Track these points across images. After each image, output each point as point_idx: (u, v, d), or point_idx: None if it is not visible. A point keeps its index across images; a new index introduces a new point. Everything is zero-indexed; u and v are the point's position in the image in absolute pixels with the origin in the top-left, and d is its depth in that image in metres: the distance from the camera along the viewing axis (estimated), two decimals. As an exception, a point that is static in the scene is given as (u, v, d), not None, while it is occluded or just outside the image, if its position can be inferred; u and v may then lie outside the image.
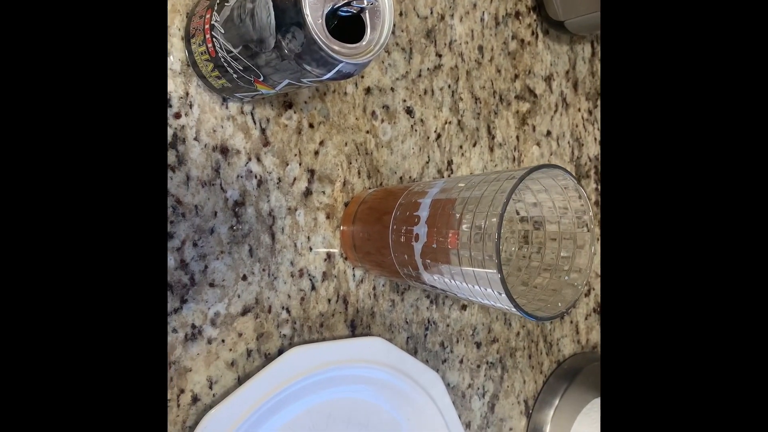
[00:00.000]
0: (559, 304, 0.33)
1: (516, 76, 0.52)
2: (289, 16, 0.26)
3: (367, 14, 0.28)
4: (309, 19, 0.26)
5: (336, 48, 0.27)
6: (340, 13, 0.27)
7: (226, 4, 0.29)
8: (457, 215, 0.32)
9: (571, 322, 0.58)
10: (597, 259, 0.60)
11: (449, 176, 0.47)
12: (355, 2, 0.27)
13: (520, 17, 0.52)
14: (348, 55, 0.27)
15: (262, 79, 0.30)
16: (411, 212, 0.35)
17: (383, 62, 0.43)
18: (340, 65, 0.27)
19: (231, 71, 0.31)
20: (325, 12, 0.26)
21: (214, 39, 0.30)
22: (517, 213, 0.38)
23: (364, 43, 0.28)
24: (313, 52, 0.26)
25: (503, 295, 0.30)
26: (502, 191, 0.30)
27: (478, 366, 0.50)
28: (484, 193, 0.31)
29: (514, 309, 0.30)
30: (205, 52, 0.32)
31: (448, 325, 0.48)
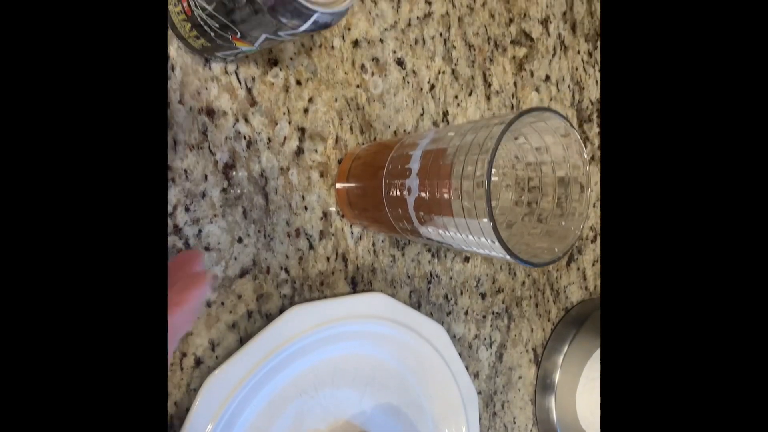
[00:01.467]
0: (556, 249, 0.33)
1: (511, 20, 0.51)
2: None
3: None
4: None
5: None
6: None
7: None
8: (448, 164, 0.31)
9: (578, 269, 0.58)
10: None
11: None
12: None
13: (513, -42, 0.51)
14: (323, 3, 0.26)
15: (239, 35, 0.29)
16: (402, 165, 0.35)
17: (370, 13, 0.42)
18: (316, 15, 0.26)
19: (208, 30, 0.30)
20: None
21: None
22: (517, 158, 0.37)
23: None
24: (287, 3, 0.26)
25: (497, 243, 0.29)
26: (491, 137, 0.29)
27: (484, 317, 0.50)
28: (473, 140, 0.30)
29: (509, 257, 0.30)
30: (181, 12, 0.31)
31: (451, 278, 0.47)
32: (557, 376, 0.57)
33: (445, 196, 0.31)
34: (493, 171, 0.38)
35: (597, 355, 0.57)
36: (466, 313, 0.49)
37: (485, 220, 0.29)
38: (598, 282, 0.60)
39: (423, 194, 0.33)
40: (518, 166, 0.37)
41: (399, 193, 0.35)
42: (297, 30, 0.28)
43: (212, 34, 0.30)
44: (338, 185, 0.41)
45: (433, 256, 0.46)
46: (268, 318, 0.38)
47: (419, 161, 0.34)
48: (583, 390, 0.57)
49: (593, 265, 0.59)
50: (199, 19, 0.30)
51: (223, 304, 0.36)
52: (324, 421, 0.39)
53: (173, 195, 0.34)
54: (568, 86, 0.56)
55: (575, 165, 0.33)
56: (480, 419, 0.50)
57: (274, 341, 0.36)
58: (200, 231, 0.35)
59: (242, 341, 0.37)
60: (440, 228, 0.33)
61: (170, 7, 0.32)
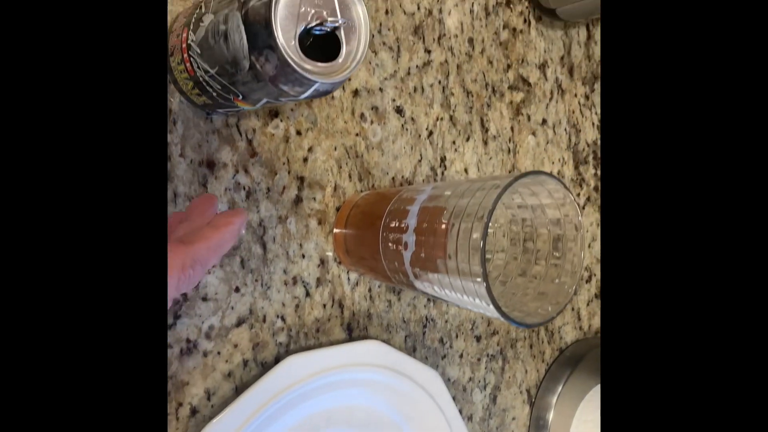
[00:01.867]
0: (549, 308, 0.33)
1: (509, 66, 0.51)
2: (261, 39, 0.26)
3: (342, 31, 0.27)
4: (281, 42, 0.25)
5: (311, 68, 0.26)
6: (314, 32, 0.27)
7: (201, 24, 0.29)
8: (444, 226, 0.32)
9: (573, 309, 0.58)
10: (598, 245, 0.60)
11: (443, 173, 0.47)
12: (328, 21, 0.26)
13: (512, 5, 0.51)
14: (324, 74, 0.27)
15: (241, 97, 0.30)
16: (400, 219, 0.35)
17: (370, 63, 0.42)
18: (317, 84, 0.27)
19: (210, 90, 0.31)
20: (298, 33, 0.26)
21: (191, 58, 0.30)
22: (513, 217, 0.38)
23: (339, 60, 0.27)
24: (288, 74, 0.26)
25: (491, 306, 0.30)
26: (485, 206, 0.29)
27: (479, 359, 0.50)
28: (469, 202, 0.31)
29: (502, 318, 0.30)
30: (184, 71, 0.31)
31: (446, 321, 0.48)
32: (551, 416, 0.57)
33: (441, 256, 0.32)
34: (490, 229, 0.38)
35: (591, 395, 0.57)
36: (461, 356, 0.49)
37: (479, 280, 0.30)
38: (593, 322, 0.60)
39: (419, 252, 0.33)
40: (514, 223, 0.37)
41: (396, 247, 0.35)
42: (298, 97, 0.28)
43: (214, 94, 0.31)
44: (336, 231, 0.41)
45: (429, 300, 0.46)
46: (264, 366, 0.38)
47: (416, 217, 0.34)
48: (576, 430, 0.57)
49: (588, 304, 0.59)
50: (201, 79, 0.30)
51: (219, 353, 0.36)
52: (318, 469, 0.40)
53: (172, 247, 0.34)
54: (565, 129, 0.56)
55: (570, 225, 0.34)
56: (473, 462, 0.50)
57: (269, 391, 0.37)
58: (198, 282, 0.35)
59: (238, 390, 0.37)
60: (435, 285, 0.33)
61: (173, 64, 0.32)
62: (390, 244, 0.36)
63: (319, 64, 0.27)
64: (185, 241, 0.28)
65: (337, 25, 0.27)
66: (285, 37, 0.25)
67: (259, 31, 0.25)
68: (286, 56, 0.25)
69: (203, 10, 0.29)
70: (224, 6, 0.27)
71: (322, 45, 0.27)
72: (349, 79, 0.41)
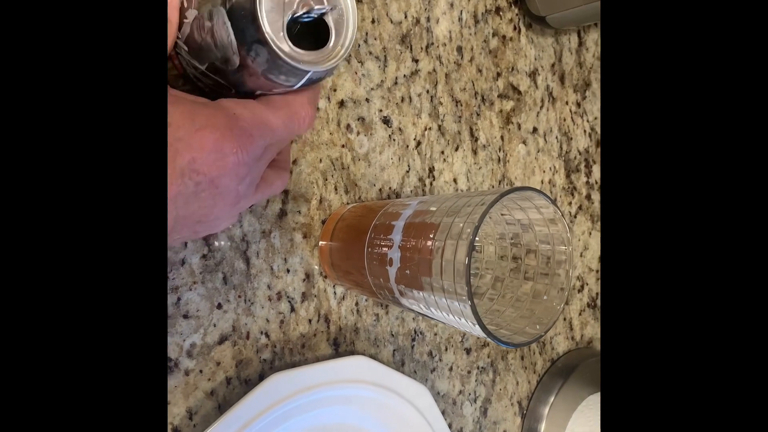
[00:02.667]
0: (538, 327, 0.33)
1: (498, 75, 0.51)
2: (249, 35, 0.25)
3: (330, 17, 0.27)
4: (269, 35, 0.24)
5: (302, 58, 0.26)
6: (302, 20, 0.26)
7: (185, 20, 0.28)
8: (429, 243, 0.31)
9: (564, 319, 0.58)
10: (590, 254, 0.59)
11: (431, 183, 0.46)
12: (315, 9, 0.26)
13: (501, 12, 0.51)
14: (315, 62, 0.26)
15: (234, 91, 0.29)
16: (385, 235, 0.34)
17: (356, 73, 0.42)
18: (310, 73, 0.26)
19: (202, 86, 0.30)
20: (286, 22, 0.25)
21: (179, 56, 0.29)
22: (502, 234, 0.37)
23: (330, 46, 0.27)
24: (280, 66, 0.26)
25: (477, 326, 0.29)
26: (471, 221, 0.29)
27: (469, 372, 0.49)
28: (455, 220, 0.30)
29: (489, 338, 0.30)
30: (173, 68, 0.30)
31: (435, 334, 0.47)
32: (543, 427, 0.56)
33: (426, 274, 0.31)
34: (476, 245, 0.37)
35: (584, 405, 0.57)
36: (451, 368, 0.48)
37: (465, 299, 0.29)
38: (585, 332, 0.60)
39: (405, 269, 0.33)
40: (503, 239, 0.36)
41: (381, 263, 0.34)
42: (293, 87, 0.27)
43: (206, 90, 0.30)
44: (322, 245, 0.40)
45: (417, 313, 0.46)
46: (248, 384, 0.37)
47: (401, 233, 0.33)
48: (569, 441, 0.56)
49: (580, 314, 0.59)
50: (192, 76, 0.30)
51: (201, 371, 0.35)
52: (303, 488, 0.39)
53: (152, 264, 0.33)
54: (556, 137, 0.56)
55: (559, 242, 0.33)
56: (463, 476, 0.49)
57: (253, 410, 0.36)
58: (179, 299, 0.34)
59: (221, 409, 0.36)
60: (421, 303, 0.33)
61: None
62: (375, 260, 0.35)
63: (311, 52, 0.26)
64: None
65: (324, 11, 0.26)
66: (273, 28, 0.25)
67: (246, 25, 0.25)
68: (276, 49, 0.25)
69: (185, 5, 0.28)
70: (207, 0, 0.26)
71: (310, 32, 0.27)
72: (335, 90, 0.41)
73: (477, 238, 0.33)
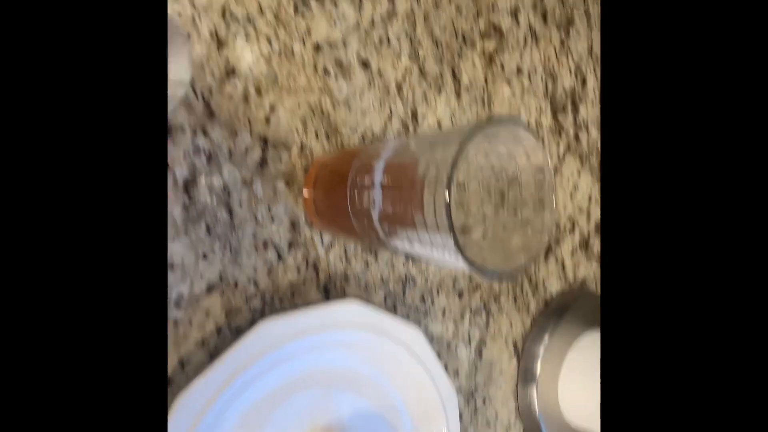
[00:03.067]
0: (524, 258, 0.32)
1: (479, 13, 0.50)
2: None
3: None
4: None
5: None
6: None
7: None
8: (409, 180, 0.31)
9: (557, 260, 0.58)
10: (580, 195, 0.59)
11: (415, 128, 0.46)
12: None
13: (479, -51, 0.49)
14: None
15: None
16: (366, 176, 0.34)
17: (331, 15, 0.41)
18: None
19: None
20: None
21: None
22: (487, 165, 0.37)
23: None
24: None
25: (461, 258, 0.29)
26: (450, 154, 0.28)
27: (462, 315, 0.50)
28: (435, 155, 0.30)
29: (473, 270, 0.29)
30: None
31: (426, 279, 0.47)
32: (538, 366, 0.57)
33: (409, 210, 0.31)
34: (460, 178, 0.37)
35: (578, 343, 0.57)
36: (444, 312, 0.48)
37: (447, 236, 0.29)
38: (578, 271, 0.60)
39: (387, 207, 0.32)
40: (486, 171, 0.36)
41: (364, 205, 0.34)
42: None
43: None
44: (306, 193, 0.40)
45: (407, 258, 0.46)
46: (239, 333, 0.37)
47: (382, 173, 0.33)
48: (565, 379, 0.57)
49: (572, 255, 0.59)
50: None
51: (190, 322, 0.36)
52: (301, 431, 0.39)
53: (132, 216, 0.33)
54: (541, 77, 0.55)
55: (540, 173, 0.33)
56: (461, 417, 0.50)
57: (244, 356, 0.36)
58: (163, 251, 0.34)
59: (212, 358, 0.36)
60: (404, 240, 0.32)
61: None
62: (358, 203, 0.35)
63: None
64: None
65: None
66: None
67: None
68: None
69: None
70: None
71: None
72: (310, 33, 0.40)
73: (458, 173, 0.33)
